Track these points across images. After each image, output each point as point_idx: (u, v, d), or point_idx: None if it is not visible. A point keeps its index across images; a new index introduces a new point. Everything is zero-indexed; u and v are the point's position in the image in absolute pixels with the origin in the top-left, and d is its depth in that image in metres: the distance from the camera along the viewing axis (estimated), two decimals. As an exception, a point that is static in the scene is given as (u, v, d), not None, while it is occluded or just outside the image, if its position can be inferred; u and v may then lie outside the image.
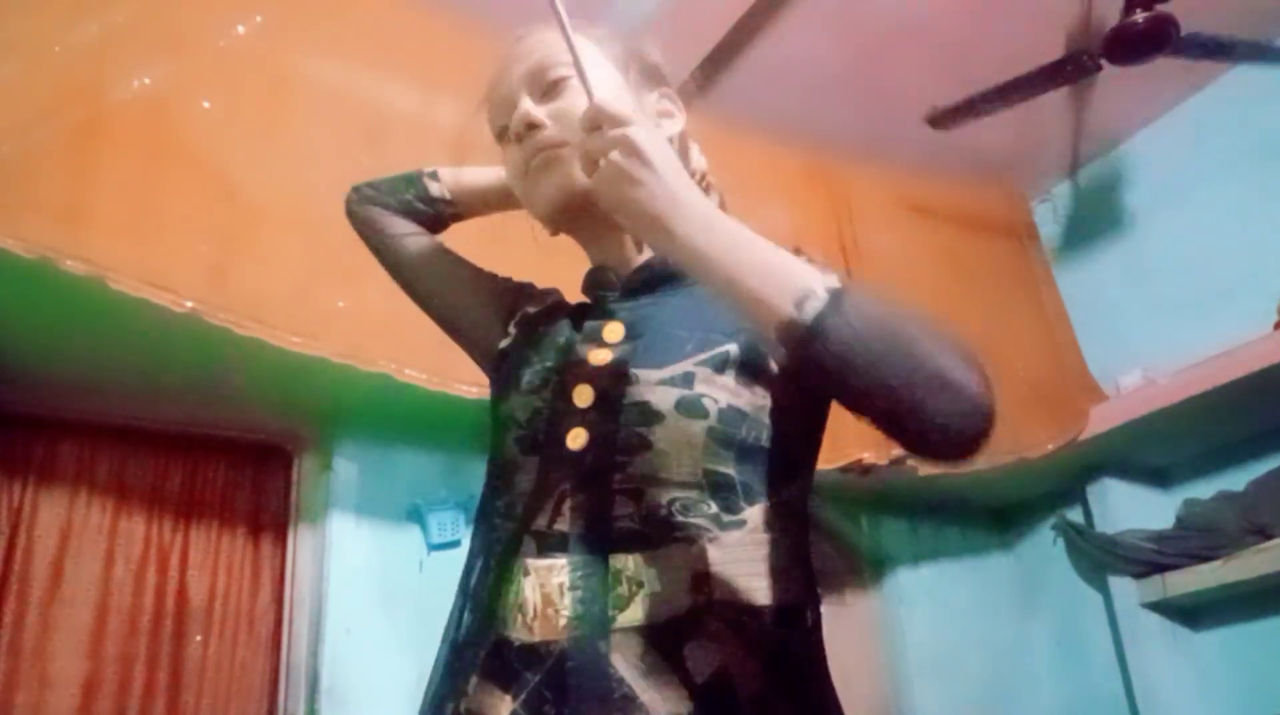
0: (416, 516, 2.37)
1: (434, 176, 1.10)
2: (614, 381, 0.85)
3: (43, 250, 1.67)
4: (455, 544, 2.33)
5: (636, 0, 2.27)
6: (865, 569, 3.06)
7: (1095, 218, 3.21)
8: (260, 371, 2.06)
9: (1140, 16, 2.29)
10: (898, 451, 2.59)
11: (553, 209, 0.93)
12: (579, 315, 0.95)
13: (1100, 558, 2.87)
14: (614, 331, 0.90)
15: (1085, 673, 2.98)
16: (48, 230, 1.70)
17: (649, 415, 0.81)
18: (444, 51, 2.18)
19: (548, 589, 0.80)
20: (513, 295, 1.05)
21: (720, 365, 0.83)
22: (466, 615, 0.87)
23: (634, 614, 0.77)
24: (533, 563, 0.82)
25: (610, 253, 0.96)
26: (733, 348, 0.84)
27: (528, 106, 0.92)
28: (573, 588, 0.80)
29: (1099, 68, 2.43)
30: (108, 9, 1.88)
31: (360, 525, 2.32)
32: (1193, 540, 2.66)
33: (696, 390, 0.81)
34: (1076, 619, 3.03)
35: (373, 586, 2.27)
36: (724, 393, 0.82)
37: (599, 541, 0.81)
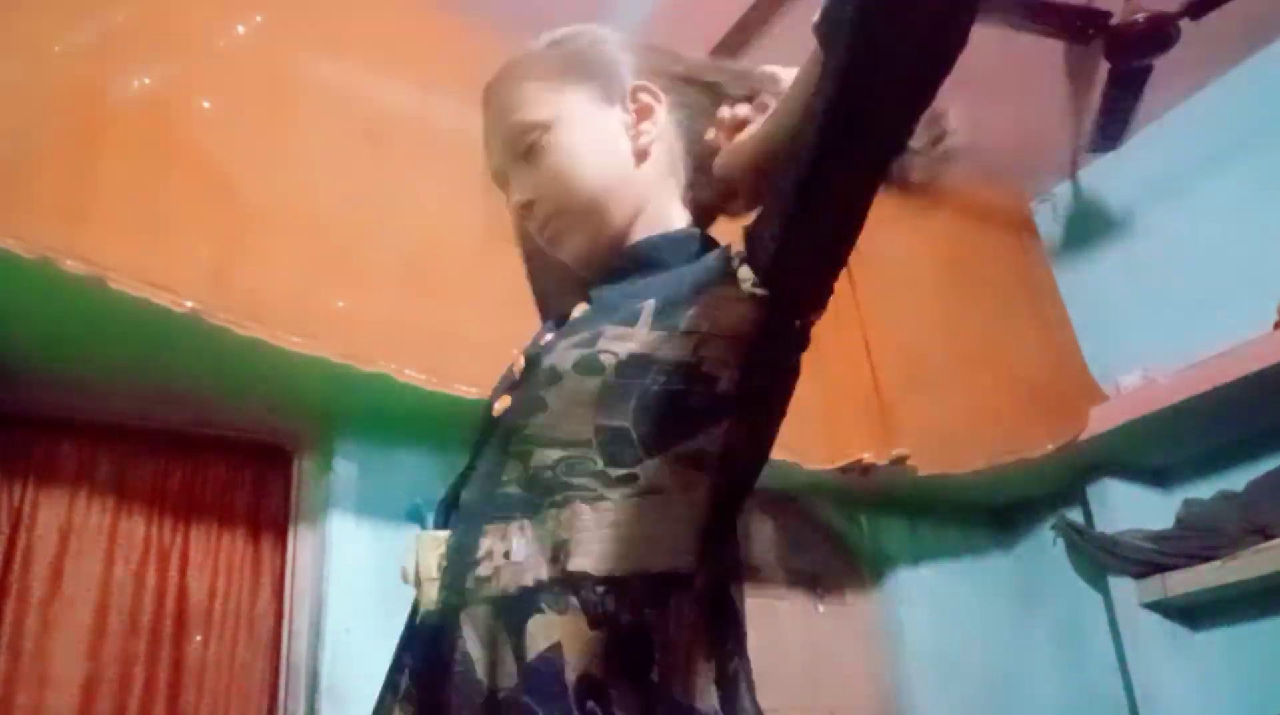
0: (416, 516, 2.36)
1: None
2: (541, 352, 0.86)
3: (43, 250, 1.67)
4: (455, 544, 2.32)
5: (636, 0, 2.27)
6: (865, 569, 3.06)
7: (1095, 217, 3.21)
8: (260, 371, 2.06)
9: (1140, 16, 2.29)
10: (898, 451, 2.60)
11: (582, 267, 0.95)
12: None
13: (1100, 558, 2.87)
14: (579, 312, 0.91)
15: (1085, 673, 2.98)
16: (48, 230, 1.69)
17: (552, 377, 0.81)
18: (444, 51, 2.18)
19: (427, 563, 0.79)
20: None
21: (631, 320, 0.81)
22: None
23: (495, 585, 0.75)
24: (422, 535, 0.81)
25: None
26: (651, 302, 0.82)
27: (517, 191, 0.94)
28: (448, 559, 0.78)
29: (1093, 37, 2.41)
30: (108, 9, 1.88)
31: (360, 525, 2.31)
32: (1193, 540, 2.66)
33: (597, 348, 0.80)
34: (1076, 619, 3.03)
35: (373, 586, 2.27)
36: (630, 344, 0.79)
37: (482, 509, 0.80)
